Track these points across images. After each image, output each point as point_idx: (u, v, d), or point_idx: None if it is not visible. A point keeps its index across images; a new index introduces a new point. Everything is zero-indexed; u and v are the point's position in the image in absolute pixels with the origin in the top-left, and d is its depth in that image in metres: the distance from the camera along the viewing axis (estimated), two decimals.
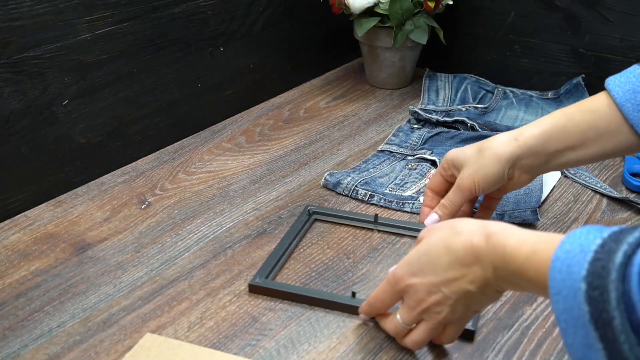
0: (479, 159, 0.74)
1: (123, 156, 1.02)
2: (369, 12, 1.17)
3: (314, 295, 0.73)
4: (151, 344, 0.67)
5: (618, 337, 0.44)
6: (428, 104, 1.19)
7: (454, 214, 0.76)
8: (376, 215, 0.85)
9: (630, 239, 0.46)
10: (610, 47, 1.12)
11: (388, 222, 0.85)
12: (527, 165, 0.74)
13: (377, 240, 0.84)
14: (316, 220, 0.87)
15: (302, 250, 0.82)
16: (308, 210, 0.87)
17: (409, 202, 0.90)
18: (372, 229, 0.86)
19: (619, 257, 0.45)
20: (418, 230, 0.81)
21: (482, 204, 0.82)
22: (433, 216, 0.77)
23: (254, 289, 0.75)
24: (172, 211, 0.90)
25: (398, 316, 0.64)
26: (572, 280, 0.46)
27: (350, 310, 0.71)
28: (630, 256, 0.45)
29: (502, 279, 0.56)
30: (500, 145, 0.74)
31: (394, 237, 0.84)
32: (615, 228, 0.48)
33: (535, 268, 0.51)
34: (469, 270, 0.57)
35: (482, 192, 0.75)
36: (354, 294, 0.72)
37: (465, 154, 0.76)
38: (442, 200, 0.77)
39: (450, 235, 0.59)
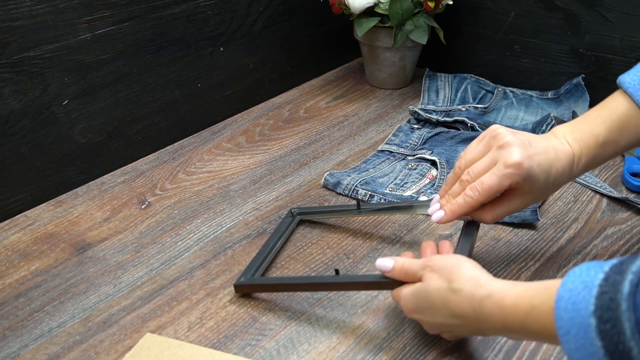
0: None
1: (123, 156, 1.02)
2: (369, 12, 1.17)
3: (298, 281, 0.73)
4: (151, 344, 0.67)
5: None
6: (428, 104, 1.19)
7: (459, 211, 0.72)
8: (358, 201, 0.84)
9: (634, 268, 0.46)
10: (610, 47, 1.12)
11: (370, 206, 0.84)
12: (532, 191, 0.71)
13: (377, 241, 0.84)
14: (301, 221, 0.88)
15: (302, 250, 0.82)
16: (291, 211, 0.87)
17: None
18: (357, 216, 0.86)
19: (626, 287, 0.45)
20: (400, 208, 0.81)
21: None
22: (438, 213, 0.72)
23: (239, 289, 0.75)
24: (172, 211, 0.90)
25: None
26: (580, 317, 0.46)
27: (336, 287, 0.72)
28: (638, 284, 0.45)
29: (504, 334, 0.57)
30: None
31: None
32: (614, 260, 0.48)
33: (538, 322, 0.51)
34: (467, 323, 0.59)
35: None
36: (337, 272, 0.71)
37: None
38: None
39: (447, 292, 0.59)
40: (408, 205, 0.81)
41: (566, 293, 0.48)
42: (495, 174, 0.67)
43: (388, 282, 0.66)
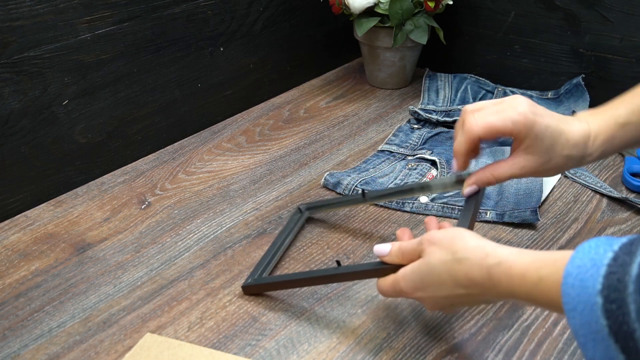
0: None
1: (123, 156, 1.02)
2: (369, 12, 1.17)
3: (303, 276, 0.72)
4: (151, 344, 0.67)
5: None
6: (428, 104, 1.19)
7: (463, 153, 0.72)
8: (363, 190, 0.83)
9: None
10: (610, 47, 1.12)
11: (375, 193, 0.83)
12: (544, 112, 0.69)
13: (377, 241, 0.84)
14: (309, 218, 0.88)
15: (302, 250, 0.82)
16: (299, 208, 0.88)
17: (409, 201, 0.90)
18: (364, 204, 0.87)
19: (634, 269, 0.45)
20: (402, 192, 0.80)
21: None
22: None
23: (248, 290, 0.75)
24: (172, 211, 0.90)
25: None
26: (587, 295, 0.46)
27: (338, 279, 0.71)
28: None
29: (510, 300, 0.57)
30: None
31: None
32: (624, 239, 0.48)
33: (545, 294, 0.52)
34: (472, 292, 0.58)
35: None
36: (339, 263, 0.71)
37: None
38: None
39: (452, 263, 0.59)
40: (409, 189, 0.80)
41: (574, 270, 0.48)
42: (498, 114, 0.67)
43: (387, 268, 0.65)
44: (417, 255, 0.62)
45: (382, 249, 0.65)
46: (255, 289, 0.75)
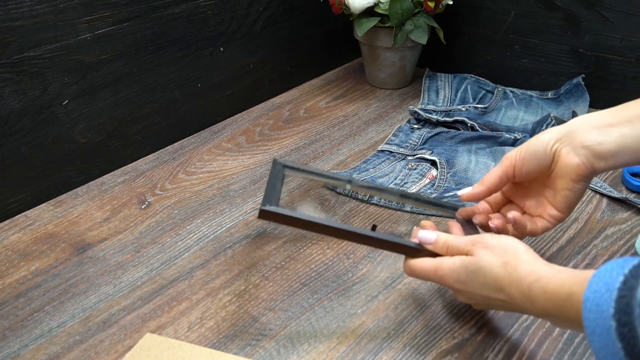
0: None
1: (123, 156, 1.02)
2: (369, 12, 1.17)
3: (331, 224, 0.68)
4: (151, 344, 0.67)
5: None
6: (428, 104, 1.19)
7: (489, 190, 0.73)
8: (350, 175, 0.83)
9: None
10: (610, 47, 1.12)
11: (361, 182, 0.82)
12: (574, 142, 0.68)
13: None
14: (286, 173, 0.83)
15: (302, 250, 0.82)
16: (276, 160, 0.83)
17: None
18: (345, 189, 0.86)
19: (639, 293, 0.48)
20: (392, 193, 0.81)
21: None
22: (466, 189, 0.75)
23: (266, 215, 0.70)
24: (172, 211, 0.90)
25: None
26: (603, 319, 0.49)
27: (370, 242, 0.69)
28: None
29: (545, 318, 0.60)
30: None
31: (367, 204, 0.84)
32: (635, 261, 0.50)
33: (575, 309, 0.54)
34: (512, 301, 0.61)
35: (524, 169, 0.71)
36: (374, 227, 0.70)
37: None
38: (483, 178, 0.74)
39: (501, 270, 0.61)
40: (396, 192, 0.81)
41: (591, 294, 0.51)
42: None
43: (425, 251, 0.67)
44: (463, 253, 0.65)
45: (428, 237, 0.68)
46: (273, 217, 0.70)
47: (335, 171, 0.88)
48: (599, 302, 0.50)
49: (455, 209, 0.79)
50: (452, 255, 0.66)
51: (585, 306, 0.51)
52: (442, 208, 0.81)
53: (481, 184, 0.74)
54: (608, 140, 0.67)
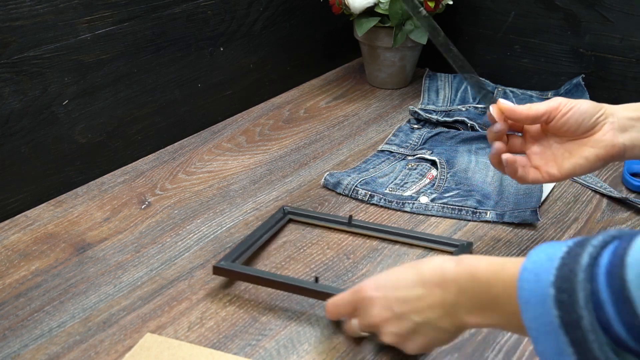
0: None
1: (123, 156, 1.02)
2: (369, 12, 1.17)
3: (277, 279, 0.72)
4: (151, 344, 0.67)
5: (587, 336, 0.44)
6: (428, 104, 1.19)
7: (526, 118, 0.74)
8: (350, 216, 0.85)
9: (595, 241, 0.47)
10: (610, 47, 1.12)
11: (362, 223, 0.84)
12: (617, 123, 0.71)
13: (377, 241, 0.84)
14: (290, 220, 0.87)
15: (302, 250, 0.82)
16: (283, 209, 0.87)
17: (409, 202, 0.90)
18: (347, 231, 0.85)
19: (585, 259, 0.46)
20: (392, 233, 0.83)
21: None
22: (508, 103, 0.75)
23: (219, 272, 0.75)
24: (172, 211, 0.90)
25: (354, 321, 0.65)
26: (541, 288, 0.47)
27: (313, 295, 0.71)
28: (596, 257, 0.46)
29: (465, 303, 0.55)
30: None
31: (369, 239, 0.84)
32: (580, 238, 0.49)
33: (504, 282, 0.52)
34: (431, 293, 0.57)
35: (564, 119, 0.72)
36: (317, 279, 0.71)
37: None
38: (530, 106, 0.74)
39: (422, 260, 0.61)
40: (400, 233, 0.83)
41: (530, 264, 0.49)
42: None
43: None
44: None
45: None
46: (226, 274, 0.75)
47: (333, 214, 0.88)
48: (538, 271, 0.48)
49: (441, 242, 0.81)
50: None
51: (523, 276, 0.49)
52: (429, 242, 0.82)
53: (526, 109, 0.73)
54: None
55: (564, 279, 0.46)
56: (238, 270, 0.74)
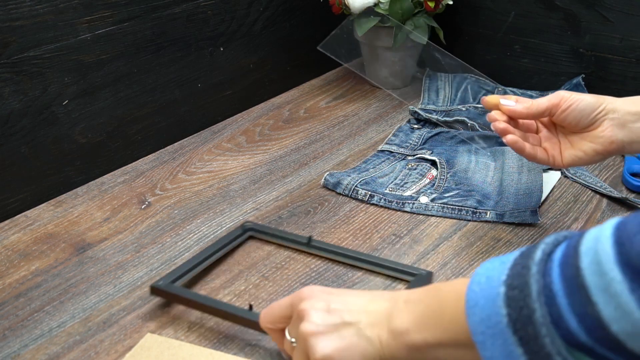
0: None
1: (123, 156, 1.02)
2: (369, 12, 1.17)
3: (212, 304, 0.69)
4: (151, 344, 0.67)
5: (539, 330, 0.43)
6: (428, 103, 1.19)
7: (527, 115, 0.75)
8: (310, 237, 0.80)
9: (548, 239, 0.47)
10: (610, 47, 1.12)
11: (321, 245, 0.80)
12: (617, 119, 0.72)
13: (377, 241, 0.84)
14: (250, 237, 0.84)
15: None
16: (243, 226, 0.83)
17: (409, 202, 0.90)
18: (305, 252, 0.81)
19: (538, 255, 0.46)
20: (351, 257, 0.78)
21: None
22: (509, 102, 0.75)
23: (156, 292, 0.71)
24: (172, 211, 0.90)
25: (286, 331, 0.59)
26: (491, 288, 0.46)
27: (246, 323, 0.67)
28: (549, 253, 0.46)
29: (410, 312, 0.52)
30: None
31: (327, 262, 0.80)
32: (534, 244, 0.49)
33: (454, 289, 0.50)
34: (375, 301, 0.55)
35: (564, 114, 0.73)
36: (251, 307, 0.68)
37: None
38: (532, 102, 0.75)
39: (355, 291, 0.58)
40: (358, 258, 0.78)
41: (482, 269, 0.48)
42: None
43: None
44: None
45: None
46: (163, 294, 0.71)
47: (296, 234, 0.82)
48: (489, 275, 0.47)
49: (400, 270, 0.76)
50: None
51: (473, 279, 0.47)
52: (388, 270, 0.77)
53: (526, 108, 0.74)
54: None
55: (516, 276, 0.45)
56: (174, 292, 0.70)
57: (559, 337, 0.43)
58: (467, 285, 0.48)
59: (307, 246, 0.80)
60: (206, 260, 0.77)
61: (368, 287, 0.74)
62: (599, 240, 0.43)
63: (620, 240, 0.42)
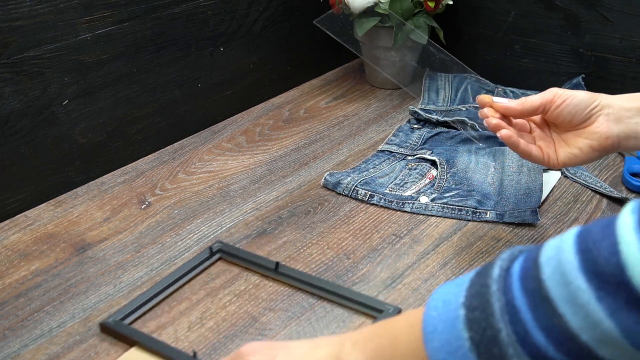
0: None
1: (123, 156, 1.02)
2: (369, 12, 1.17)
3: (161, 348, 0.65)
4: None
5: (506, 351, 0.41)
6: (428, 103, 1.19)
7: (521, 113, 0.74)
8: (277, 263, 0.77)
9: (503, 255, 0.45)
10: (610, 47, 1.12)
11: (288, 272, 0.76)
12: (612, 114, 0.71)
13: (377, 241, 0.84)
14: (220, 258, 0.80)
15: (302, 250, 0.82)
16: (211, 248, 0.80)
17: (409, 202, 0.90)
18: (272, 278, 0.77)
19: (495, 272, 0.44)
20: (317, 287, 0.74)
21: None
22: (502, 99, 0.75)
23: (107, 331, 0.69)
24: (172, 211, 0.90)
25: None
26: (449, 312, 0.44)
27: None
28: (507, 269, 0.44)
29: (360, 350, 0.50)
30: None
31: (293, 290, 0.76)
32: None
33: (407, 320, 0.49)
34: (320, 344, 0.53)
35: (558, 111, 0.73)
36: (195, 354, 0.65)
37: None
38: (525, 100, 0.74)
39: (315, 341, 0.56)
40: (326, 289, 0.74)
41: (438, 295, 0.46)
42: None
43: None
44: None
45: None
46: (114, 334, 0.68)
47: (264, 257, 0.79)
48: (446, 299, 0.45)
49: (372, 307, 0.71)
50: None
51: (429, 304, 0.45)
52: (355, 304, 0.73)
53: (520, 104, 0.73)
54: None
55: (475, 296, 0.43)
56: (123, 332, 0.67)
57: (527, 354, 0.41)
58: (423, 312, 0.46)
59: (274, 272, 0.77)
60: (168, 288, 0.74)
61: (331, 319, 0.71)
62: (561, 250, 0.41)
63: (585, 248, 0.40)
